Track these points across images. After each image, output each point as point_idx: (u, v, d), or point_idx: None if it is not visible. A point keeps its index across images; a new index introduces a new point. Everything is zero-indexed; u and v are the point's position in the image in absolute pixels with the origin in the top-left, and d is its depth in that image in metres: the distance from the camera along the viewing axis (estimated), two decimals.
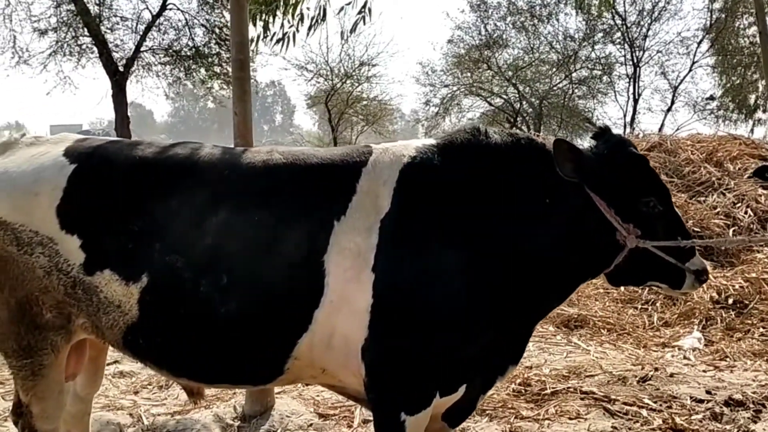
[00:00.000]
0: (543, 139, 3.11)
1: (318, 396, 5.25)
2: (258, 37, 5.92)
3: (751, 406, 4.74)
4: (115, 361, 6.13)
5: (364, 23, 6.28)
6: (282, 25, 5.75)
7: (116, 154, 3.07)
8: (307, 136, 42.49)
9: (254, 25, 5.71)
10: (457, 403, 3.07)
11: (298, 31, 5.85)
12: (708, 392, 4.97)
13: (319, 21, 6.13)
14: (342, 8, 6.42)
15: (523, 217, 2.95)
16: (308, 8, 6.08)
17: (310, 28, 6.14)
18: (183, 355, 2.98)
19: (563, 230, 2.95)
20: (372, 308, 2.79)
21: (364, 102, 28.63)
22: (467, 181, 2.96)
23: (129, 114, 18.60)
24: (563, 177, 2.90)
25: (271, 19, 5.74)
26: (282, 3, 5.89)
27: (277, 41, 5.96)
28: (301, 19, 5.92)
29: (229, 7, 5.27)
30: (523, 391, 5.16)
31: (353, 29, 6.55)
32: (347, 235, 2.82)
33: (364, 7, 6.35)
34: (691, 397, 4.88)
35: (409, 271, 2.82)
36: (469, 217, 2.91)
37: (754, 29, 23.77)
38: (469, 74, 29.51)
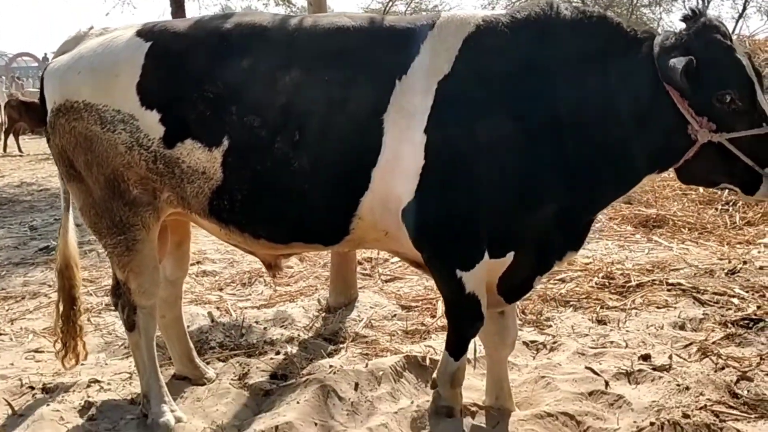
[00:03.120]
0: (621, 21, 2.96)
1: (399, 291, 5.30)
2: None
3: None
4: (197, 262, 6.28)
5: None
6: None
7: (188, 28, 3.15)
8: None
9: None
10: (512, 279, 3.08)
11: None
12: None
13: None
14: None
15: (587, 95, 2.85)
16: None
17: None
18: (262, 214, 3.08)
19: (629, 113, 2.83)
20: (423, 169, 2.84)
21: (423, 12, 27.92)
22: (530, 54, 2.89)
23: None
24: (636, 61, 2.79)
25: None
26: None
27: None
28: None
29: None
30: (606, 284, 5.11)
31: None
32: (406, 96, 2.87)
33: None
34: None
35: (460, 136, 2.84)
36: (529, 89, 2.86)
37: None
38: None
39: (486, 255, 2.95)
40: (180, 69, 3.02)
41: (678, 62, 2.65)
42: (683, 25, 2.89)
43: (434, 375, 3.32)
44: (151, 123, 3.02)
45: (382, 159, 2.87)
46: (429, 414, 3.26)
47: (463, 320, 3.10)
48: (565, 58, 2.88)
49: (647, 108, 2.81)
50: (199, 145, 2.99)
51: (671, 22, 29.43)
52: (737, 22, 26.97)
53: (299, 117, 2.91)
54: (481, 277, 3.00)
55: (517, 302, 3.30)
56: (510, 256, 3.00)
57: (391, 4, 26.90)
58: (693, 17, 2.83)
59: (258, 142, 2.93)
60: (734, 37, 2.78)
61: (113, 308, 3.70)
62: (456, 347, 3.18)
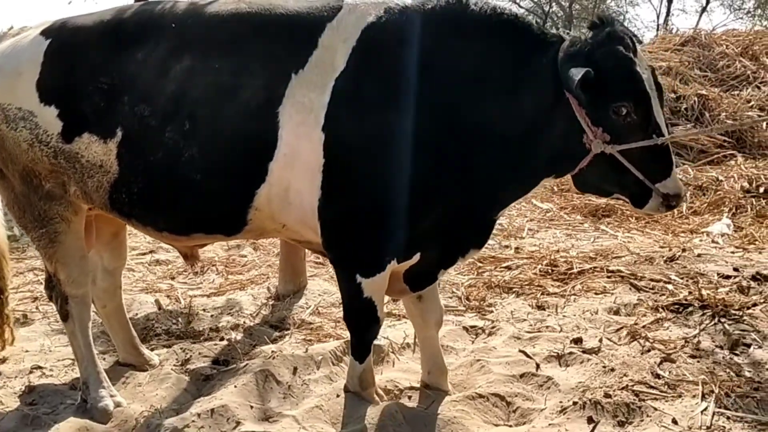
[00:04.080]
0: (532, 23, 2.94)
1: None
2: None
3: None
4: (151, 251, 6.32)
5: None
6: None
7: (86, 22, 3.18)
8: None
9: None
10: (417, 270, 3.12)
11: None
12: (735, 269, 4.98)
13: None
14: None
15: (487, 95, 2.83)
16: None
17: None
18: (159, 206, 3.11)
19: (529, 118, 2.83)
20: (324, 167, 2.82)
21: None
22: (431, 50, 2.83)
23: None
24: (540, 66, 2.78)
25: None
26: None
27: None
28: None
29: None
30: (550, 271, 5.24)
31: None
32: (302, 90, 2.83)
33: None
34: (718, 274, 4.91)
35: (359, 133, 2.81)
36: (427, 87, 2.81)
37: None
38: None
39: (390, 265, 2.97)
40: (77, 63, 3.06)
41: (576, 72, 2.62)
42: (596, 26, 2.84)
43: (345, 380, 3.37)
44: (50, 119, 3.07)
45: (279, 153, 2.85)
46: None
47: (359, 324, 3.15)
48: (468, 57, 2.85)
49: (547, 113, 2.81)
50: (96, 138, 3.03)
51: (637, 15, 29.78)
52: (701, 15, 27.39)
53: (189, 106, 2.90)
54: (381, 284, 3.04)
55: (434, 286, 3.35)
56: (416, 257, 3.04)
57: None
58: (599, 26, 2.81)
59: (149, 132, 2.94)
60: (639, 48, 2.83)
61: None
62: (357, 351, 3.23)
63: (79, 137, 3.05)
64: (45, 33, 3.17)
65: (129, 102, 2.97)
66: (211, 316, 4.62)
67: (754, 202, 7.10)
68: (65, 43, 3.13)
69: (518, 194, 3.17)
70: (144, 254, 6.26)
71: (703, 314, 4.11)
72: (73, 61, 3.07)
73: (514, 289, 4.94)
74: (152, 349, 4.06)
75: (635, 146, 2.74)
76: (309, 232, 3.05)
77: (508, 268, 5.44)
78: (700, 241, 6.08)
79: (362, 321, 3.14)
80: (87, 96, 3.02)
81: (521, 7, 29.51)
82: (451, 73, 2.85)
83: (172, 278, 5.66)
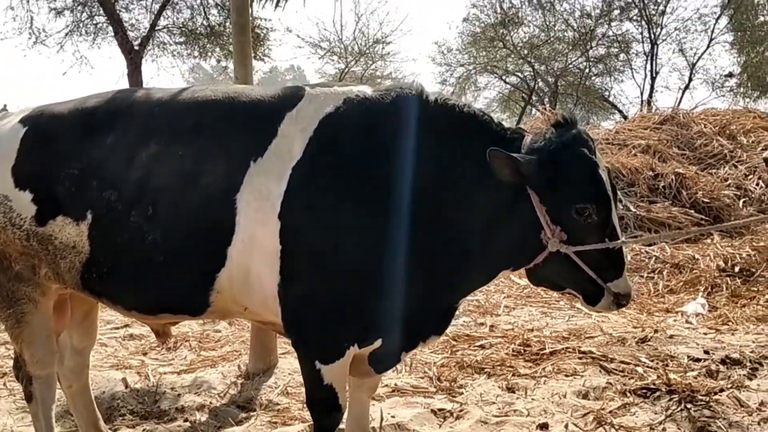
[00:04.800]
0: (491, 119, 3.00)
1: None
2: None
3: (748, 364, 4.77)
4: (126, 325, 6.29)
5: None
6: None
7: (62, 110, 3.27)
8: None
9: None
10: (381, 353, 3.11)
11: None
12: (706, 352, 5.01)
13: None
14: None
15: (447, 188, 2.89)
16: None
17: None
18: (127, 287, 3.14)
19: (489, 211, 2.89)
20: (281, 254, 2.85)
21: (378, 80, 28.56)
22: (389, 141, 2.89)
23: None
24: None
25: None
26: None
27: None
28: None
29: None
30: (522, 351, 5.23)
31: None
32: (260, 178, 2.88)
33: None
34: (688, 356, 4.93)
35: (314, 221, 2.85)
36: (384, 177, 2.86)
37: None
38: (484, 53, 29.33)
39: (349, 351, 2.97)
40: (51, 150, 3.14)
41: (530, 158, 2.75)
42: (561, 125, 2.91)
43: None
44: (24, 203, 3.13)
45: (237, 239, 2.88)
46: None
47: (320, 410, 3.11)
48: (427, 150, 2.89)
49: (507, 208, 2.86)
50: (69, 221, 3.08)
51: (621, 90, 30.47)
52: (683, 93, 27.99)
53: (152, 191, 2.97)
54: (342, 371, 3.03)
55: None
56: (378, 342, 3.03)
57: (347, 69, 27.62)
58: (564, 125, 2.89)
59: (116, 216, 3.00)
60: (597, 150, 2.92)
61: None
62: None
63: (53, 220, 3.11)
64: (23, 121, 3.27)
65: (98, 187, 3.04)
66: (179, 395, 4.57)
67: (729, 282, 7.18)
68: (41, 130, 3.22)
69: (477, 284, 3.20)
70: (118, 328, 6.23)
71: (671, 399, 4.11)
72: (47, 148, 3.16)
73: (485, 370, 4.92)
74: (115, 430, 4.01)
75: (591, 248, 2.81)
76: (271, 315, 3.06)
77: (482, 347, 5.43)
78: (674, 321, 6.11)
79: (323, 408, 3.11)
80: (60, 181, 3.10)
81: (507, 83, 30.25)
82: (410, 165, 2.89)
83: (144, 354, 5.62)
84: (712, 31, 27.49)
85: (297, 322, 2.98)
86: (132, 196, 2.99)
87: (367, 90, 3.06)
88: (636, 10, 27.24)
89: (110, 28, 18.30)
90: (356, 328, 2.97)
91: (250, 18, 4.94)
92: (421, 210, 2.88)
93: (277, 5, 6.15)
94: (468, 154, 2.90)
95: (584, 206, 2.78)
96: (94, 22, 18.73)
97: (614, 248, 2.85)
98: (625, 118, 22.56)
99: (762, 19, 27.36)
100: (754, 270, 7.41)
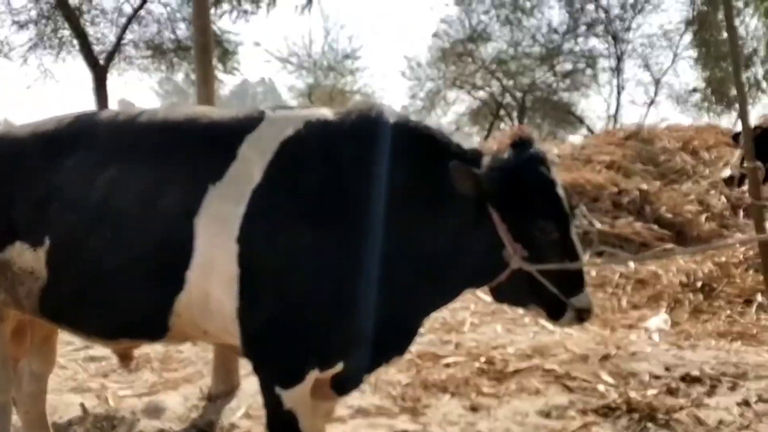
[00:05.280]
0: (450, 139, 3.01)
1: None
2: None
3: (707, 381, 4.83)
4: (86, 347, 6.16)
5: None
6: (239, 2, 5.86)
7: (22, 133, 3.25)
8: None
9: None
10: (343, 376, 3.09)
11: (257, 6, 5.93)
12: (667, 369, 5.06)
13: None
14: None
15: (407, 209, 2.88)
16: None
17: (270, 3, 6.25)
18: (86, 312, 3.09)
19: (450, 231, 2.90)
20: (240, 278, 2.82)
21: (348, 94, 28.61)
22: (349, 162, 2.91)
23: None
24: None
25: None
26: None
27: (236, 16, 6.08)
28: None
29: None
30: (486, 369, 5.24)
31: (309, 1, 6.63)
32: (219, 201, 2.86)
33: None
34: (649, 374, 4.98)
35: (273, 245, 2.83)
36: (343, 199, 2.87)
37: (735, 21, 23.85)
38: (453, 68, 29.52)
39: (310, 375, 2.94)
40: (10, 174, 3.11)
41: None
42: (518, 145, 2.94)
43: None
44: None
45: (195, 262, 2.85)
46: None
47: None
48: (388, 172, 2.88)
49: (468, 228, 2.88)
50: (27, 246, 3.04)
51: (589, 106, 30.85)
52: (649, 108, 28.40)
53: (111, 215, 2.94)
54: (302, 396, 2.99)
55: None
56: (340, 366, 3.01)
57: (315, 85, 27.62)
58: (521, 145, 2.92)
59: (74, 241, 2.97)
60: (554, 168, 2.96)
61: None
62: None
63: (12, 246, 3.07)
64: None
65: (56, 212, 3.00)
66: (138, 419, 4.49)
67: (692, 297, 7.28)
68: (1, 154, 3.19)
69: (440, 304, 3.20)
70: (78, 350, 6.10)
71: (631, 418, 4.15)
72: (7, 172, 3.12)
73: (449, 389, 4.92)
74: None
75: (553, 268, 2.85)
76: (231, 338, 3.03)
77: (447, 365, 5.43)
78: (637, 337, 6.17)
79: None
80: (19, 206, 3.06)
81: (475, 98, 30.45)
82: (370, 188, 2.89)
83: (105, 376, 5.52)
84: (677, 47, 27.99)
85: (257, 346, 2.95)
86: (90, 220, 2.96)
87: (327, 113, 3.06)
88: (602, 26, 27.64)
89: (75, 41, 18.08)
90: (317, 352, 2.95)
91: (220, 32, 4.93)
92: (382, 232, 2.87)
93: (237, 18, 6.16)
94: (428, 174, 2.91)
95: (544, 223, 2.83)
96: (59, 35, 18.50)
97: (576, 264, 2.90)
98: (592, 132, 22.89)
99: (725, 35, 27.92)
100: (715, 285, 7.52)
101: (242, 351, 3.01)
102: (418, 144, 2.98)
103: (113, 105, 19.31)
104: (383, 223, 2.87)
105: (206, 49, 4.84)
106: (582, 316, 2.94)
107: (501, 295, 3.05)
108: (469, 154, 2.97)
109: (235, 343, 3.05)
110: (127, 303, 3.02)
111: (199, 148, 3.01)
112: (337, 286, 2.86)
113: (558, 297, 2.89)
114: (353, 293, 2.89)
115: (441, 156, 2.91)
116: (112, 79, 19.26)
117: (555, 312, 2.95)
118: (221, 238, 2.84)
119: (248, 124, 3.01)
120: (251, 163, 2.90)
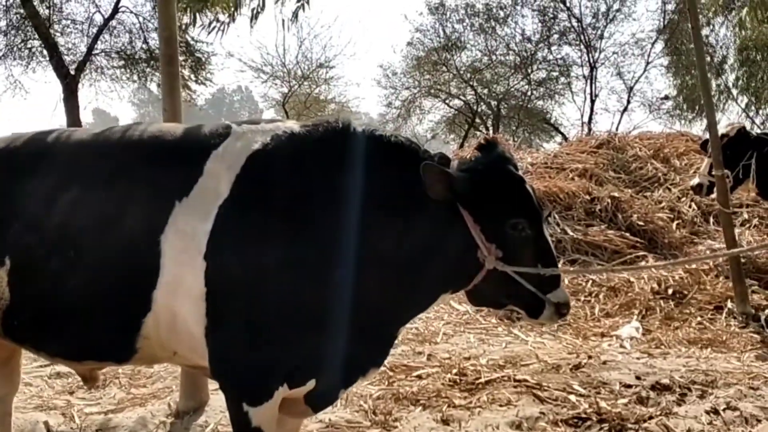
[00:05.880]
0: (418, 147, 3.04)
1: None
2: (187, 26, 6.02)
3: (677, 390, 4.85)
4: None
5: (303, 10, 6.35)
6: (216, 17, 5.83)
7: None
8: None
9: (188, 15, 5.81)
10: (318, 392, 3.04)
11: (233, 20, 5.92)
12: (638, 377, 5.08)
13: (260, 11, 6.19)
14: None
15: (377, 218, 2.86)
16: None
17: (252, 18, 6.23)
18: (49, 333, 3.02)
19: (422, 238, 2.89)
20: (207, 295, 2.78)
21: (322, 103, 28.60)
22: (317, 176, 2.89)
23: (92, 120, 18.45)
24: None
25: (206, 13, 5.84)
26: None
27: (212, 29, 6.05)
28: (236, 8, 5.99)
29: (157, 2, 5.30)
30: (458, 380, 5.21)
31: (294, 16, 6.62)
32: (185, 218, 2.81)
33: None
34: (620, 383, 4.98)
35: (241, 263, 2.79)
36: (312, 212, 2.85)
37: (705, 30, 24.21)
38: (428, 76, 29.64)
39: (278, 392, 2.90)
40: None
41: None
42: (485, 147, 3.02)
43: None
44: None
45: (161, 281, 2.80)
46: None
47: None
48: (356, 182, 2.87)
49: (441, 232, 2.88)
50: None
51: (563, 113, 31.10)
52: (622, 115, 28.68)
53: (74, 235, 2.88)
54: (271, 413, 2.95)
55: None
56: (311, 383, 2.96)
57: (290, 93, 27.58)
58: (487, 147, 2.97)
59: (37, 261, 2.91)
60: (520, 168, 2.99)
61: None
62: None
63: None
64: None
65: (18, 231, 2.94)
66: None
67: (663, 304, 7.32)
68: None
69: (417, 311, 3.19)
70: (44, 366, 5.98)
71: (601, 428, 4.15)
72: None
73: (421, 401, 4.89)
74: None
75: (529, 271, 2.87)
76: (200, 359, 2.98)
77: (419, 377, 5.40)
78: (609, 345, 6.19)
79: None
80: None
81: (450, 107, 30.59)
82: (339, 199, 2.87)
83: (71, 393, 5.42)
84: (649, 55, 28.37)
85: (224, 363, 2.90)
86: (53, 240, 2.90)
87: (294, 126, 3.05)
88: (575, 35, 27.91)
89: (45, 52, 17.93)
90: (285, 370, 2.91)
91: (194, 41, 4.91)
92: (353, 244, 2.85)
93: (211, 31, 6.13)
94: (398, 183, 2.91)
95: (517, 221, 2.85)
96: (28, 46, 18.36)
97: (550, 260, 2.93)
98: (566, 139, 23.04)
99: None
100: (686, 292, 7.58)
101: (210, 369, 2.95)
102: (386, 153, 2.98)
103: (85, 115, 19.13)
104: (354, 236, 2.85)
105: (172, 61, 4.79)
106: (561, 310, 2.97)
107: (478, 298, 3.07)
108: (438, 159, 2.98)
109: (204, 364, 3.00)
110: (92, 325, 2.95)
111: (164, 163, 2.96)
112: (307, 302, 2.82)
113: (536, 294, 2.90)
114: (323, 309, 2.85)
115: (410, 163, 2.90)
116: (83, 90, 19.10)
117: (534, 310, 2.97)
118: (188, 255, 2.79)
119: (214, 139, 2.97)
120: (218, 179, 2.86)
